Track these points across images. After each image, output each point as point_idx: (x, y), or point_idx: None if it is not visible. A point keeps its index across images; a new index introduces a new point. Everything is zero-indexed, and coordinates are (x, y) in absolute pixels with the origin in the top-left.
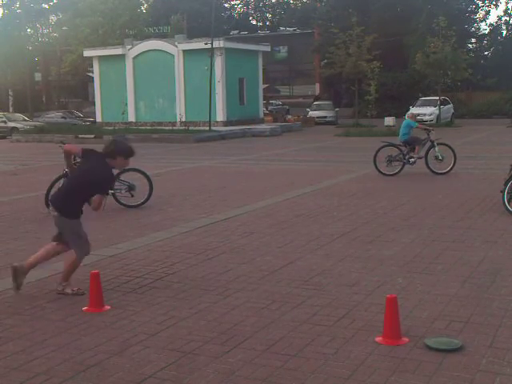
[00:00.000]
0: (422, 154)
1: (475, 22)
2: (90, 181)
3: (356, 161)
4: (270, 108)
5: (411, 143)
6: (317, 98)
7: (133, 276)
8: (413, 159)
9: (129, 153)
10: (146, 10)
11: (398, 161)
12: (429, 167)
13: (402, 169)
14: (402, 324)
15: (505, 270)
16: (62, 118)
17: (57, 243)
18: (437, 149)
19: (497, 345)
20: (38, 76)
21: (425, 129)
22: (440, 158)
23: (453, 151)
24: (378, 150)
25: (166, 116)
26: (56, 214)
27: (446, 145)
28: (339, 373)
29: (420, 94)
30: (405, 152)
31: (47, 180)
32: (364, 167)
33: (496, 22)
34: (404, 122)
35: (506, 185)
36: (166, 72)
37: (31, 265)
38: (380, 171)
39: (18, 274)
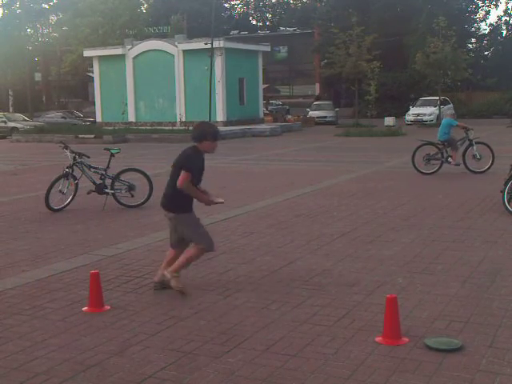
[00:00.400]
0: (460, 160)
1: (475, 22)
2: (177, 166)
3: (356, 161)
4: (269, 108)
5: (450, 143)
6: (318, 98)
7: (133, 276)
8: (450, 159)
9: (214, 135)
10: (145, 9)
11: (436, 160)
12: (466, 166)
13: (439, 168)
14: (402, 324)
15: (505, 270)
16: (62, 118)
17: (175, 250)
18: (475, 148)
19: (497, 345)
20: (38, 76)
21: (464, 127)
22: (478, 156)
23: (491, 150)
24: (417, 149)
25: (166, 116)
26: (171, 215)
27: (485, 144)
28: (339, 373)
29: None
30: (443, 151)
31: (47, 180)
32: (364, 167)
33: (496, 22)
34: (444, 121)
35: (506, 185)
36: (166, 72)
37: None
38: (418, 170)
39: (167, 285)
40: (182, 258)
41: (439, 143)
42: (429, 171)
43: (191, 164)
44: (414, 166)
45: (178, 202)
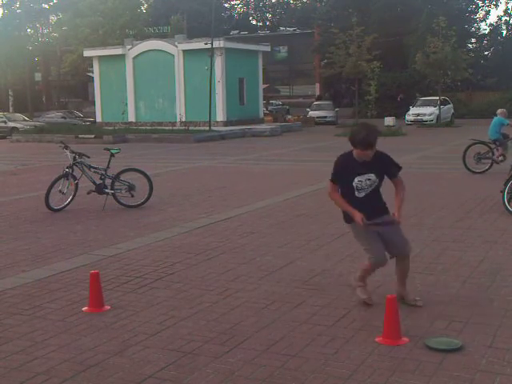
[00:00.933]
0: (502, 158)
1: (475, 22)
2: None
3: None
4: (270, 108)
5: (501, 143)
6: (319, 98)
7: (133, 276)
8: (501, 158)
9: (362, 144)
10: (145, 10)
11: (487, 159)
12: None
13: (490, 167)
14: (402, 324)
15: (505, 270)
16: (62, 118)
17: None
18: None
19: (497, 345)
20: (38, 76)
21: None
22: None
23: None
24: (468, 148)
25: (166, 116)
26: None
27: None
28: (339, 373)
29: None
30: (494, 150)
31: (47, 180)
32: None
33: (496, 22)
34: (495, 120)
35: (506, 185)
36: (166, 72)
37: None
38: (469, 169)
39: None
40: (361, 269)
41: (490, 142)
42: (479, 170)
43: (334, 172)
44: (465, 164)
45: (344, 212)
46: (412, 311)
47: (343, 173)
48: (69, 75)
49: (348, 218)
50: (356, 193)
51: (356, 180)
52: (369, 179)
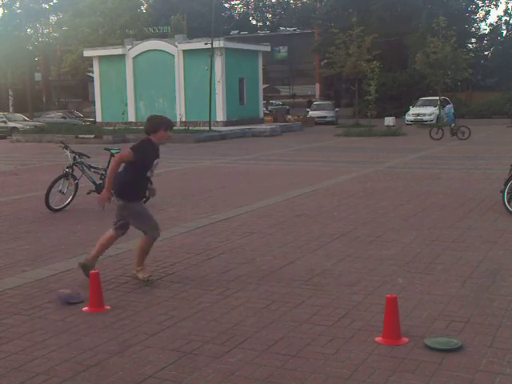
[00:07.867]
0: None
1: (475, 22)
2: None
3: (356, 161)
4: (270, 108)
5: None
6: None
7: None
8: None
9: (169, 124)
10: (145, 9)
11: None
12: None
13: None
14: (402, 324)
15: (505, 270)
16: (62, 117)
17: None
18: None
19: (497, 345)
20: (38, 76)
21: None
22: None
23: None
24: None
25: (166, 116)
26: None
27: None
28: (339, 373)
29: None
30: None
31: (47, 180)
32: (364, 167)
33: (496, 22)
34: None
35: (506, 185)
36: (166, 72)
37: None
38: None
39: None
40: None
41: None
42: None
43: (140, 150)
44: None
45: None
46: (412, 311)
47: (148, 153)
48: (69, 75)
49: (131, 196)
50: (148, 173)
51: (156, 161)
52: (157, 161)
